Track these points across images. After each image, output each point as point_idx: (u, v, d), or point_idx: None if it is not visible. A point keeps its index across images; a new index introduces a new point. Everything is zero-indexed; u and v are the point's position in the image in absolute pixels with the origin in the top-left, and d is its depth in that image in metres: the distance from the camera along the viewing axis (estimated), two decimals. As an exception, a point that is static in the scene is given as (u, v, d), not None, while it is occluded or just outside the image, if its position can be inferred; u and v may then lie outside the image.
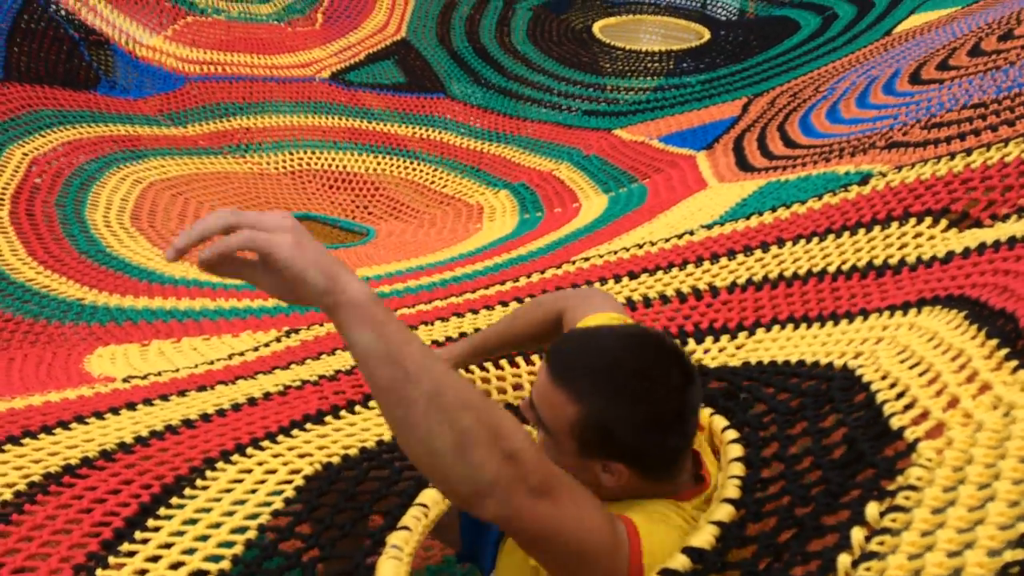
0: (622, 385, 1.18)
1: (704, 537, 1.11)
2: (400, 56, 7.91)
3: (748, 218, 2.72)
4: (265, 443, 1.91)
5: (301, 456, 1.83)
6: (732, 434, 1.34)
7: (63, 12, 6.60)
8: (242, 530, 1.59)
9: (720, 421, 1.40)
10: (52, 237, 4.69)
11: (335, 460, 1.80)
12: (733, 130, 5.42)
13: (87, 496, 1.77)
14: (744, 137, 5.10)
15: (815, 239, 2.21)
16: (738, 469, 1.26)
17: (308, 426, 1.98)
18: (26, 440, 2.07)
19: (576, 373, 1.20)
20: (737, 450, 1.31)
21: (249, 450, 1.88)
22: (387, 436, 1.89)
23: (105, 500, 1.74)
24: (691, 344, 1.96)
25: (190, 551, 1.54)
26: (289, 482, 1.74)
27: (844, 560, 0.97)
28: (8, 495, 1.78)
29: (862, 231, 2.12)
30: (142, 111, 6.37)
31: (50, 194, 5.05)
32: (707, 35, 8.42)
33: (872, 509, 1.04)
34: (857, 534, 1.01)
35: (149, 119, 6.34)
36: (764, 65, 6.92)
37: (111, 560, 1.55)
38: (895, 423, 1.23)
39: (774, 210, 2.68)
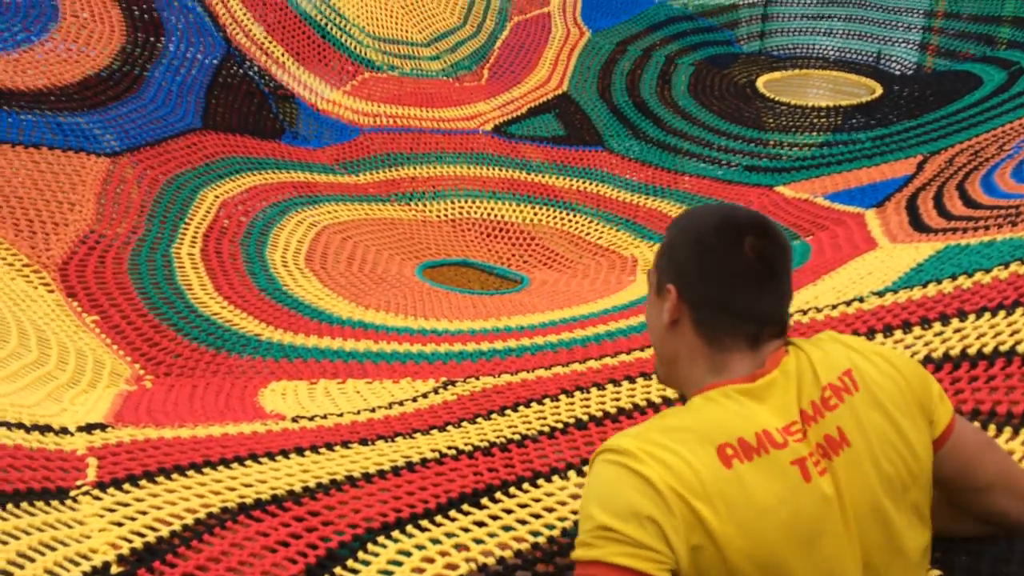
0: (696, 219, 1.33)
1: None
2: (561, 109, 8.08)
3: (925, 286, 2.57)
4: (424, 522, 1.96)
5: (457, 548, 1.86)
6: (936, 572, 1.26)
7: (256, 68, 7.21)
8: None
9: None
10: (236, 274, 5.08)
11: (490, 562, 1.82)
12: (907, 188, 5.16)
13: (259, 541, 1.89)
14: (919, 196, 4.84)
15: (1001, 312, 2.07)
16: None
17: (465, 507, 2.02)
18: (207, 469, 2.23)
19: (672, 231, 1.39)
20: None
21: (409, 528, 1.95)
22: (542, 539, 1.88)
23: (276, 550, 1.86)
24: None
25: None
26: (447, 582, 1.77)
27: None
28: (190, 520, 1.93)
29: (1056, 305, 1.97)
30: (320, 160, 6.83)
31: (236, 234, 5.48)
32: (880, 90, 8.10)
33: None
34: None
35: (326, 167, 6.78)
36: (942, 121, 6.57)
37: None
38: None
39: (954, 278, 2.52)
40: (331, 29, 7.85)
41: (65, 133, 5.53)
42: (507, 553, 1.84)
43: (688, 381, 1.30)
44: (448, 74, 8.29)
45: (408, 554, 1.85)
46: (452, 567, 1.81)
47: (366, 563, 1.83)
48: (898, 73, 8.90)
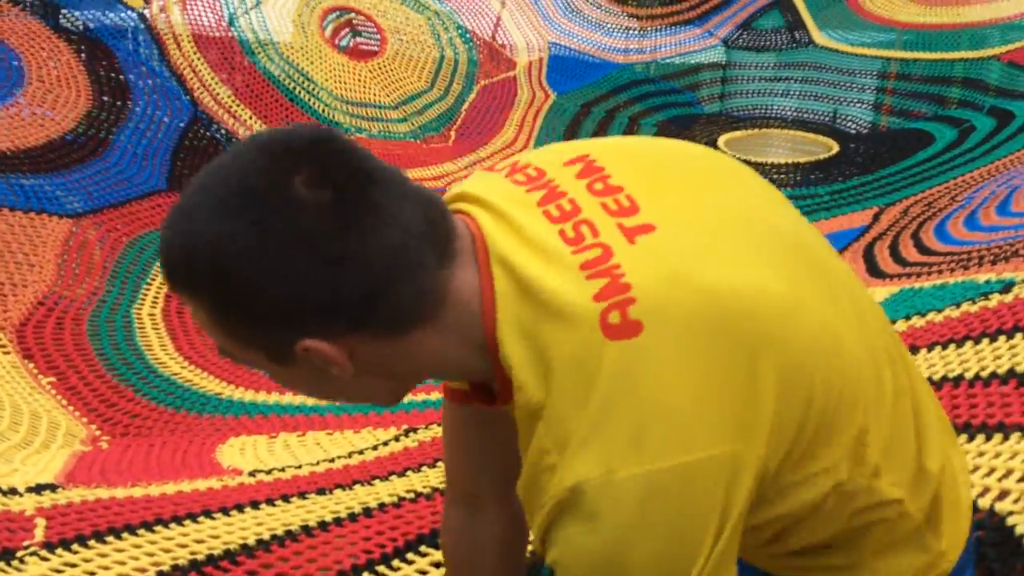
0: (220, 211, 0.74)
1: None
2: (527, 170, 8.17)
3: (879, 325, 2.61)
4: (380, 568, 1.93)
5: None
6: None
7: (223, 131, 7.25)
8: None
9: None
10: (198, 333, 5.02)
11: None
12: (863, 238, 5.27)
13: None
14: (875, 245, 4.95)
15: (952, 346, 2.10)
16: None
17: (423, 548, 1.99)
18: (158, 528, 2.19)
19: (175, 271, 0.78)
20: None
21: (364, 575, 1.90)
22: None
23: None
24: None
25: None
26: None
27: None
28: (138, 580, 1.87)
29: (1003, 338, 2.00)
30: (286, 220, 6.83)
31: (199, 294, 5.44)
32: (836, 148, 8.32)
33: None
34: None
35: (292, 227, 6.78)
36: (897, 176, 6.75)
37: None
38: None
39: (908, 318, 2.57)
40: (299, 92, 7.94)
41: (27, 195, 5.50)
42: None
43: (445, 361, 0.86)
44: (416, 136, 8.40)
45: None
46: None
47: None
48: (854, 132, 9.16)
